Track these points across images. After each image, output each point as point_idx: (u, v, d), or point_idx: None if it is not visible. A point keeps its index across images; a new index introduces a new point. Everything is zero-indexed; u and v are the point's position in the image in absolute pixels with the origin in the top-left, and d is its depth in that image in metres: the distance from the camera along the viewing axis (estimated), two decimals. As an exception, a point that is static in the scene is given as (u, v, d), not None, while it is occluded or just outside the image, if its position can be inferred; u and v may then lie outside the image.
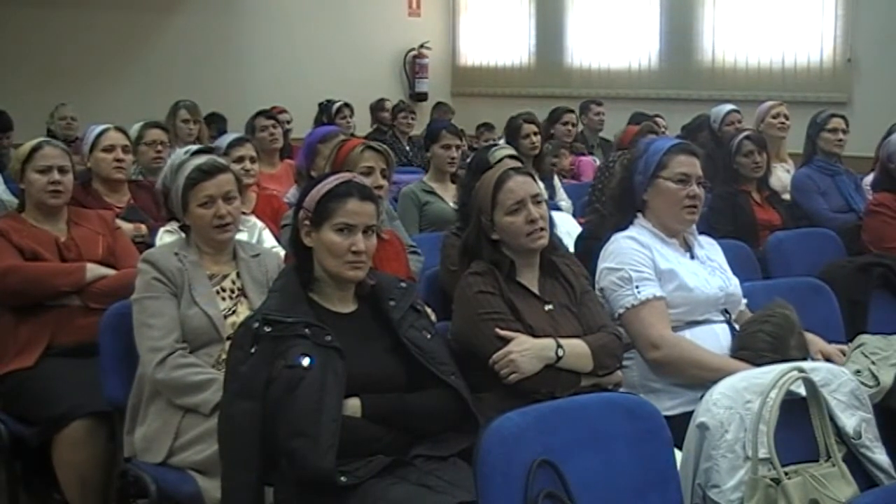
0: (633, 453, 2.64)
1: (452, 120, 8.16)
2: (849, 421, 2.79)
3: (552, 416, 2.63)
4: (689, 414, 2.80)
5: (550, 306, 3.24)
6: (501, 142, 6.26)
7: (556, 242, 3.44)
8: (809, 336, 3.45)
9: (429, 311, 3.29)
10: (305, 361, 2.69)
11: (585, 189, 6.02)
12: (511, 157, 4.24)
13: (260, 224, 4.48)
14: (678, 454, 2.75)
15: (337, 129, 5.92)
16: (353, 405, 2.76)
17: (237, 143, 5.07)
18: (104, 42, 9.88)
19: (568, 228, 4.66)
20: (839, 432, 2.77)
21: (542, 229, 3.23)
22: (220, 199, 3.41)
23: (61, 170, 4.04)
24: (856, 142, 6.36)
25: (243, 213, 3.81)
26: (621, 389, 3.22)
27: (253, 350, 2.71)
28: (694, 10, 9.85)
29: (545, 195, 3.54)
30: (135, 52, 10.12)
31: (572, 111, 8.24)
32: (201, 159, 3.49)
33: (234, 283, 3.42)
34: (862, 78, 8.61)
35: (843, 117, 6.22)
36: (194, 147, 3.76)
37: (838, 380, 2.85)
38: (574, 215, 5.60)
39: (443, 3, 12.43)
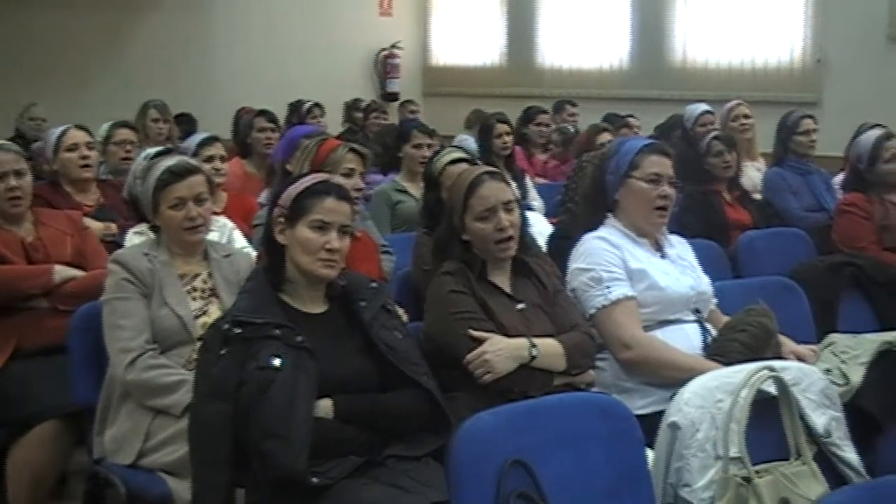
0: (605, 453, 2.65)
1: (422, 119, 8.15)
2: (819, 420, 2.81)
3: (525, 415, 2.64)
4: (661, 413, 2.81)
5: (523, 305, 3.24)
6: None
7: (528, 242, 3.44)
8: (780, 338, 3.47)
9: (400, 311, 3.28)
10: (276, 362, 2.68)
11: (558, 189, 6.03)
12: (459, 160, 4.24)
13: (231, 224, 4.46)
14: (650, 453, 2.76)
15: (319, 129, 5.91)
16: (325, 406, 2.75)
17: (207, 142, 5.03)
18: (75, 41, 9.78)
19: (540, 228, 4.67)
20: (809, 431, 2.79)
21: (510, 238, 3.23)
22: (191, 200, 3.39)
23: (17, 174, 3.97)
24: (826, 142, 6.39)
25: (214, 213, 3.80)
26: (594, 389, 3.23)
27: (223, 351, 2.70)
28: (665, 11, 9.87)
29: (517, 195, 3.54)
30: (106, 51, 10.04)
31: (546, 111, 8.25)
32: (172, 160, 3.47)
33: (205, 283, 3.40)
34: (831, 78, 8.66)
35: (812, 117, 6.26)
36: (153, 150, 3.73)
37: (809, 379, 2.87)
38: (546, 215, 5.60)
39: (414, 2, 12.42)
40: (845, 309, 4.34)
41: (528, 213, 3.84)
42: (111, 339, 3.24)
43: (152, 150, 3.70)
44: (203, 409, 2.71)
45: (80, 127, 5.01)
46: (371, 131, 9.34)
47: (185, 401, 3.03)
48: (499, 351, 3.05)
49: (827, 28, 8.69)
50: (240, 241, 4.36)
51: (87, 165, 4.90)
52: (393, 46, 12.06)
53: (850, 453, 2.84)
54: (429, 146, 5.61)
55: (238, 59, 10.82)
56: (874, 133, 5.14)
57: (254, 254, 3.83)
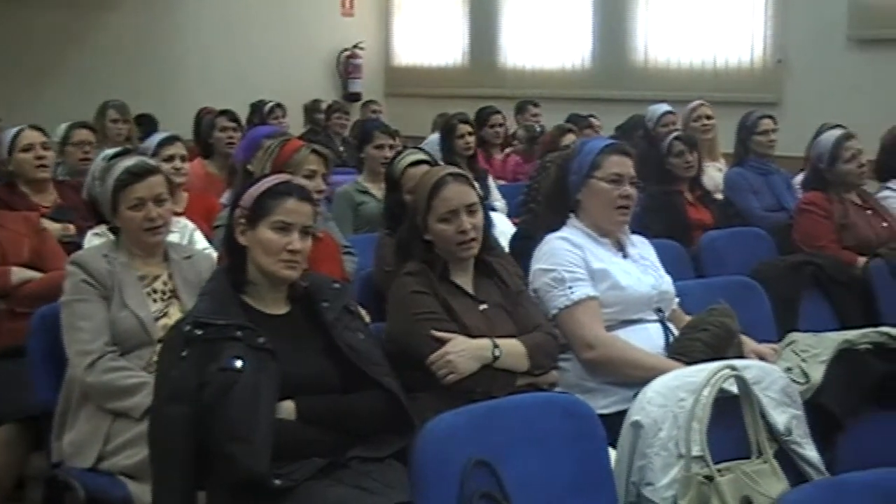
0: (568, 452, 2.66)
1: (384, 119, 8.13)
2: (780, 418, 2.83)
3: (488, 415, 2.65)
4: (624, 412, 2.83)
5: (485, 306, 3.24)
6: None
7: (491, 242, 3.44)
8: (742, 337, 3.49)
9: (363, 312, 3.28)
10: (238, 364, 2.66)
11: (520, 189, 6.03)
12: (420, 162, 4.24)
13: (191, 225, 4.42)
14: (613, 453, 2.77)
15: (281, 130, 5.88)
16: (288, 408, 2.73)
17: (167, 142, 4.99)
18: (33, 40, 9.68)
19: (503, 228, 4.67)
20: (770, 429, 2.81)
21: (472, 240, 3.23)
22: (151, 201, 3.37)
23: None
24: (786, 142, 6.44)
25: (175, 213, 3.77)
26: (557, 389, 3.23)
27: (184, 353, 2.67)
28: (627, 11, 9.91)
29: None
30: (65, 50, 9.94)
31: (498, 112, 8.21)
32: (131, 161, 3.45)
33: (165, 284, 3.38)
34: (792, 79, 8.72)
35: (771, 117, 6.30)
36: (112, 151, 3.70)
37: (770, 377, 2.89)
38: (509, 215, 5.60)
39: (376, 3, 12.39)
40: (806, 308, 4.37)
41: (491, 214, 3.84)
42: (70, 341, 3.21)
43: (111, 151, 3.67)
44: (163, 412, 2.69)
45: (34, 127, 4.96)
46: (334, 132, 9.33)
47: (146, 403, 3.00)
48: (461, 352, 3.05)
49: (787, 29, 8.75)
50: (201, 241, 4.33)
51: (42, 166, 4.85)
52: (355, 47, 12.04)
53: (810, 451, 2.87)
54: (391, 147, 5.60)
55: (199, 58, 10.75)
56: (834, 133, 5.19)
57: (215, 255, 3.80)
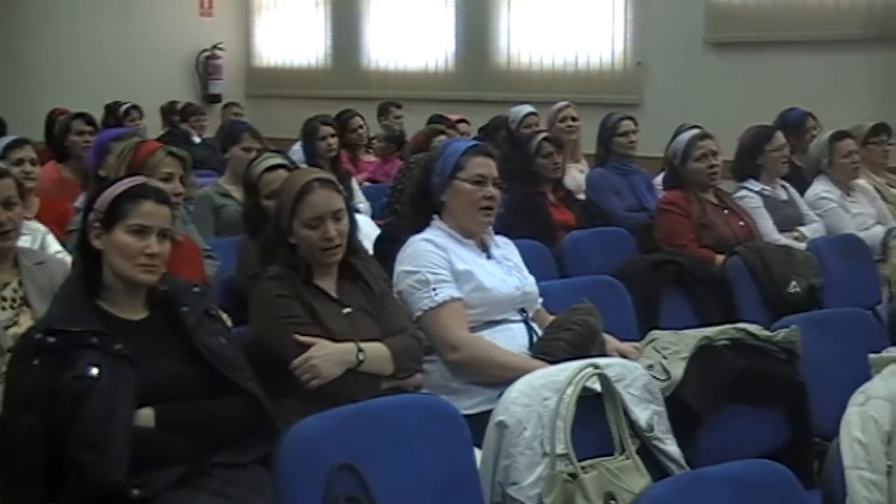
0: (433, 454, 2.66)
1: (244, 120, 8.04)
2: (642, 414, 2.87)
3: (353, 419, 2.64)
4: (489, 413, 2.84)
5: (349, 310, 3.23)
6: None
7: (356, 245, 3.42)
8: (604, 336, 3.53)
9: (224, 316, 3.22)
10: (94, 372, 2.59)
11: (385, 191, 6.02)
12: (277, 166, 4.21)
13: (43, 229, 4.29)
14: (478, 453, 2.77)
15: (132, 130, 5.75)
16: (146, 415, 2.67)
17: (16, 144, 4.87)
18: None
19: (367, 231, 4.64)
20: (633, 426, 2.85)
21: (337, 246, 3.23)
22: (-1, 205, 3.26)
23: None
24: (647, 143, 6.56)
25: (26, 217, 3.66)
26: (422, 391, 3.23)
27: (36, 361, 2.59)
28: (489, 13, 10.00)
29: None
30: None
31: (357, 115, 8.10)
32: (-25, 165, 3.34)
33: (15, 291, 3.27)
34: (651, 81, 8.91)
35: (631, 119, 6.41)
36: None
37: (632, 375, 2.93)
38: (373, 217, 5.58)
39: (236, 3, 12.25)
40: (666, 306, 4.45)
41: (356, 216, 3.82)
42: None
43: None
44: (14, 422, 2.60)
45: None
46: (193, 133, 9.20)
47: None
48: (325, 356, 3.04)
49: (646, 32, 8.94)
50: (54, 245, 4.20)
51: None
52: (214, 47, 11.89)
53: (671, 446, 2.92)
54: (257, 149, 5.52)
55: (51, 58, 10.45)
56: (691, 132, 5.30)
57: (69, 259, 3.69)
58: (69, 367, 2.60)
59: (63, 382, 2.58)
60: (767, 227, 5.24)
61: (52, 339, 2.62)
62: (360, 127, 8.05)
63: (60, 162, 6.39)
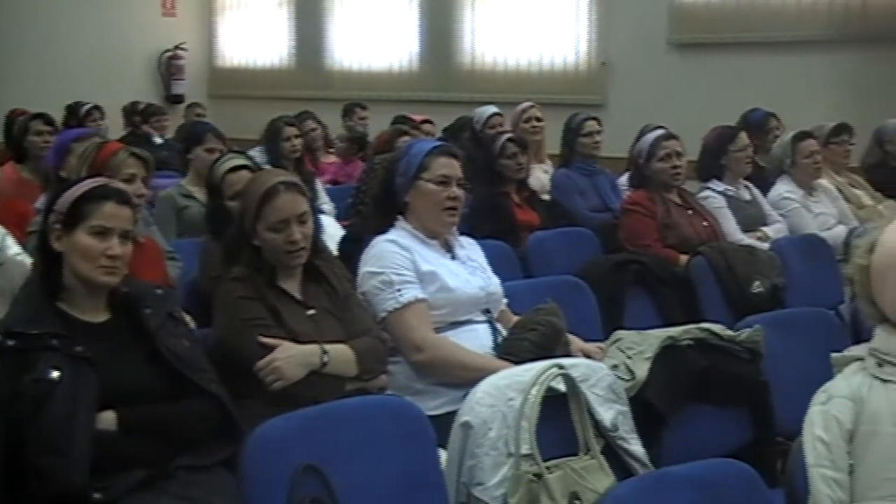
0: (398, 455, 2.65)
1: (207, 121, 8.00)
2: (606, 414, 2.88)
3: (317, 420, 2.63)
4: (454, 413, 2.83)
5: (313, 311, 3.22)
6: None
7: (320, 247, 3.41)
8: (569, 336, 3.53)
9: (187, 317, 3.21)
10: (54, 375, 2.57)
11: (349, 192, 6.00)
12: (240, 167, 4.20)
13: (2, 230, 4.24)
14: (443, 454, 2.77)
15: (93, 131, 5.70)
16: (108, 418, 2.65)
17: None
18: None
19: (331, 232, 4.63)
20: (598, 426, 2.85)
21: (302, 249, 3.22)
22: (-43, 207, 3.23)
23: None
24: (611, 143, 6.58)
25: (-17, 219, 3.62)
26: (387, 392, 3.22)
27: (-6, 365, 2.56)
28: (453, 13, 10.00)
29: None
30: None
31: (310, 117, 8.05)
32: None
33: (-27, 294, 3.23)
34: (616, 81, 8.94)
35: (596, 119, 6.43)
36: None
37: (596, 375, 2.94)
38: (337, 218, 5.56)
39: (199, 3, 12.19)
40: (631, 306, 4.46)
41: (320, 217, 3.81)
42: None
43: None
44: (-30, 427, 2.57)
45: None
46: (160, 134, 9.15)
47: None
48: (289, 358, 3.03)
49: (610, 32, 8.97)
50: (13, 247, 4.14)
51: None
52: (177, 48, 11.82)
53: (635, 446, 2.93)
54: (220, 151, 5.49)
55: (11, 58, 10.37)
56: (656, 133, 5.32)
57: (29, 261, 3.65)
58: (29, 370, 2.57)
59: (23, 385, 2.55)
60: (731, 227, 5.26)
61: (11, 342, 2.60)
62: (314, 129, 8.00)
63: (19, 163, 6.33)
